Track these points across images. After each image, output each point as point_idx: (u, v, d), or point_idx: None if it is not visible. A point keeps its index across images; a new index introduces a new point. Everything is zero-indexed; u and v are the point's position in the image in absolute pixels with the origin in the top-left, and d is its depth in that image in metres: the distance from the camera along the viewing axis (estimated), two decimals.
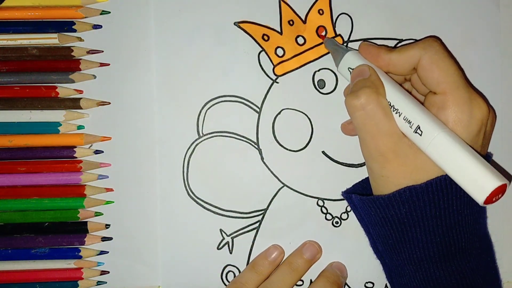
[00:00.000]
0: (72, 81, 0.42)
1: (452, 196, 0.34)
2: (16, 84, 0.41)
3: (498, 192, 0.31)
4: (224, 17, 0.42)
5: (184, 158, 0.42)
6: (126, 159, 0.42)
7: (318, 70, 0.43)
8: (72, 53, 0.41)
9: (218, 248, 0.43)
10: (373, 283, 0.44)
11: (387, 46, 0.39)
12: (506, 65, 0.43)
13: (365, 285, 0.44)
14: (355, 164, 0.43)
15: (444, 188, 0.33)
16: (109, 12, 0.42)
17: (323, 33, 0.42)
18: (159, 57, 0.42)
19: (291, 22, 0.42)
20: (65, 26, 0.41)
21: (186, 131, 0.42)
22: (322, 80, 0.43)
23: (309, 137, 0.43)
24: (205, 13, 0.42)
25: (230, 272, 0.43)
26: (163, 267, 0.43)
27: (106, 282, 0.43)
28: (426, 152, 0.33)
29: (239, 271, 0.43)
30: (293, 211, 0.43)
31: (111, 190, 0.42)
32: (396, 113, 0.35)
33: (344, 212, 0.43)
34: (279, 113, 0.43)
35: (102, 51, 0.42)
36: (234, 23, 0.42)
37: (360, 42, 0.42)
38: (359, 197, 0.37)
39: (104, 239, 0.42)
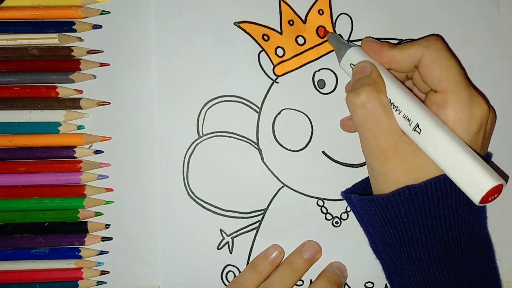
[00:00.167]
0: (72, 81, 0.42)
1: (451, 195, 0.33)
2: (16, 84, 0.41)
3: (494, 192, 0.31)
4: (224, 17, 0.42)
5: (184, 158, 0.42)
6: (126, 159, 0.42)
7: (318, 70, 0.43)
8: (72, 53, 0.41)
9: (218, 248, 0.43)
10: (373, 283, 0.44)
11: (389, 42, 0.39)
12: (506, 65, 0.43)
13: (365, 285, 0.44)
14: (355, 164, 0.43)
15: (443, 187, 0.33)
16: (109, 12, 0.42)
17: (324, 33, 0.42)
18: (159, 57, 0.42)
19: (291, 22, 0.42)
20: (65, 26, 0.41)
21: (186, 131, 0.42)
22: (322, 80, 0.43)
23: (309, 137, 0.43)
24: (205, 13, 0.42)
25: (230, 272, 0.43)
26: (163, 267, 0.43)
27: (106, 282, 0.43)
28: (424, 150, 0.33)
29: (239, 271, 0.43)
30: (293, 211, 0.43)
31: (111, 190, 0.42)
32: (396, 110, 0.35)
33: (344, 212, 0.43)
34: (279, 113, 0.43)
35: (102, 51, 0.42)
36: (234, 23, 0.42)
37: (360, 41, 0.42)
38: (358, 196, 0.37)
39: (104, 239, 0.42)
